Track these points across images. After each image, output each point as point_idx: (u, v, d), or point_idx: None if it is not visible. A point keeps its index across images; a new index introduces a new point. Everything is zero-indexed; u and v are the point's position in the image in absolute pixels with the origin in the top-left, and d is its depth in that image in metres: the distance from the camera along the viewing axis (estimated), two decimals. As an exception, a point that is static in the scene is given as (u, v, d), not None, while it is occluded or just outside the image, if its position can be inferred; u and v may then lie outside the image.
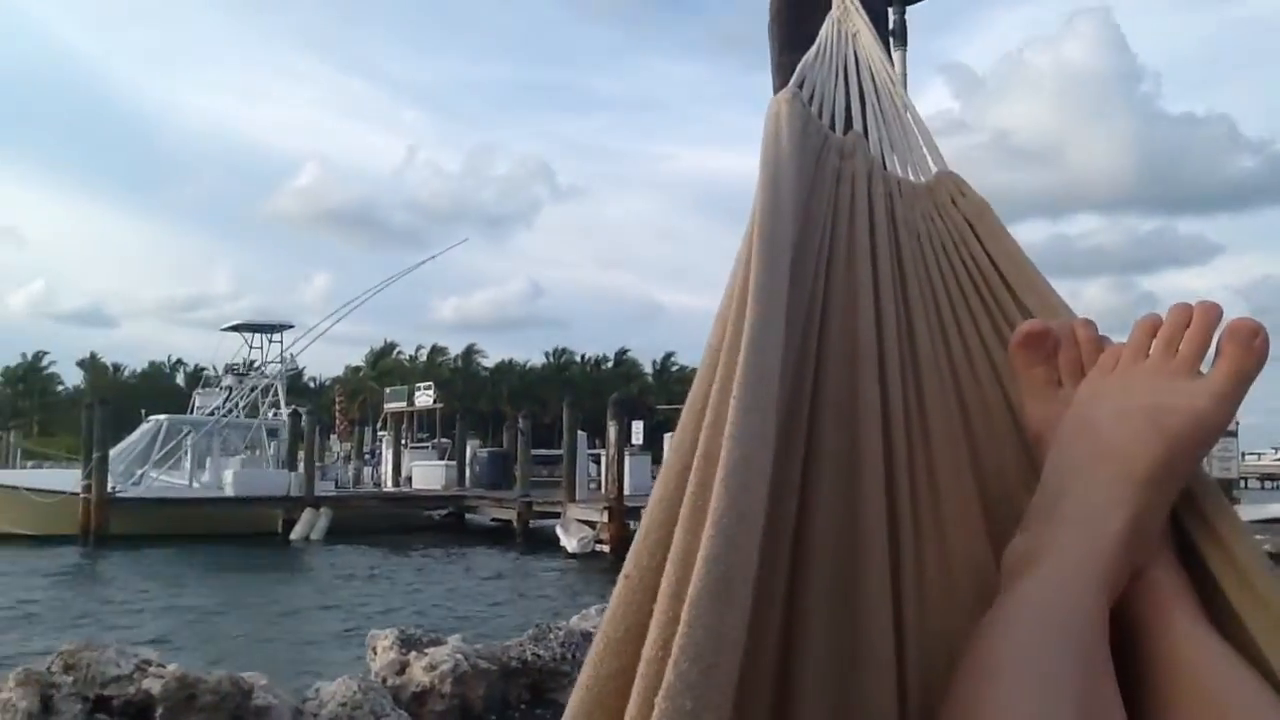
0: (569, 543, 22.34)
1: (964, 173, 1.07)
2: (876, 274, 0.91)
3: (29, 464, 35.28)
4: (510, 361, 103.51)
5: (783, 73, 1.27)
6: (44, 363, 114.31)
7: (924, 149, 1.09)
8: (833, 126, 1.02)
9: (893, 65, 1.13)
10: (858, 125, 1.04)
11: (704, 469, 0.57)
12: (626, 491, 22.30)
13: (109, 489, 24.80)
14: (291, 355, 32.69)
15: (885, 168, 1.03)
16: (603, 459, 24.99)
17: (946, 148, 1.10)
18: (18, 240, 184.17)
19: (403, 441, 37.68)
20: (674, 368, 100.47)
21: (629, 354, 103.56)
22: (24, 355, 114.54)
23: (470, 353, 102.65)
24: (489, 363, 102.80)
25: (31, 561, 21.00)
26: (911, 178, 1.05)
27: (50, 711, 2.97)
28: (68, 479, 25.94)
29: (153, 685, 3.13)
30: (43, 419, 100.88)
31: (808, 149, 0.92)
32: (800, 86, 1.00)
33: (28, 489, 25.66)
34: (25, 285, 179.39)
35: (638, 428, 29.49)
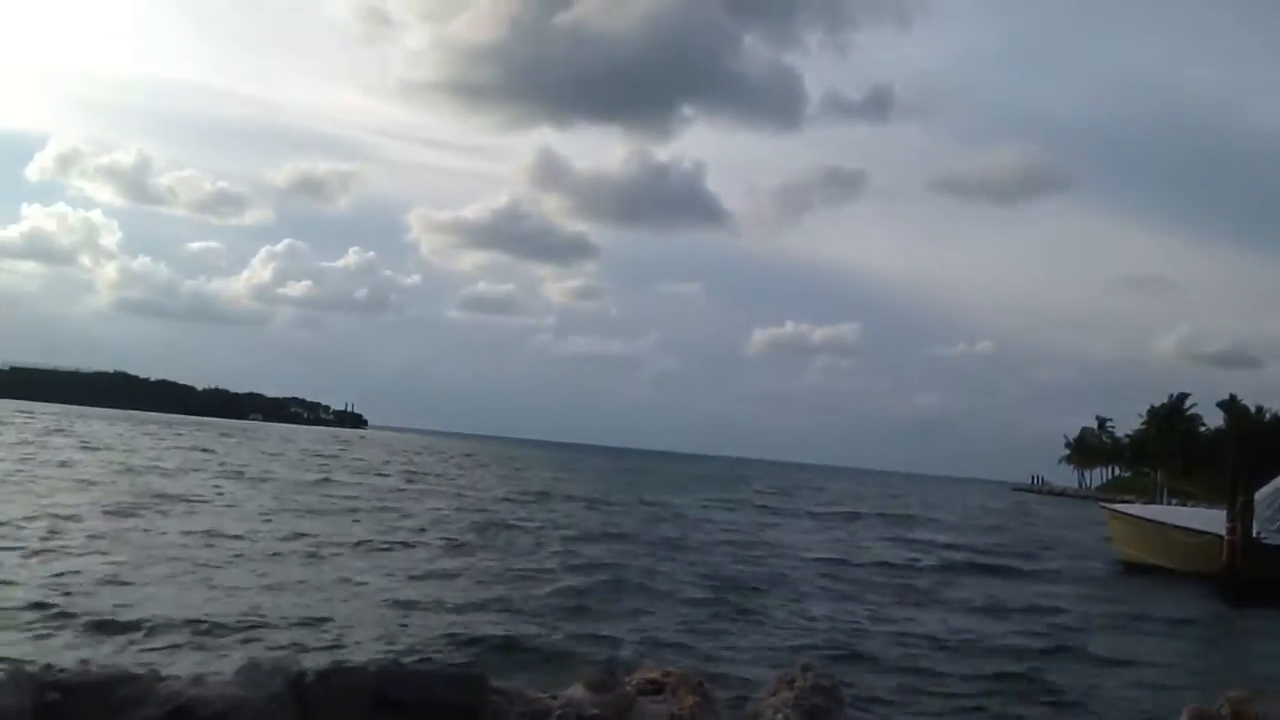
0: None
1: None
2: None
3: (1173, 501, 36.79)
4: None
5: None
6: (1186, 404, 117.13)
7: None
8: None
9: None
10: None
11: None
12: None
13: (1254, 533, 24.33)
14: None
15: None
16: None
17: None
18: (1167, 286, 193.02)
19: None
20: None
21: None
22: (1169, 396, 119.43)
23: None
24: None
25: (1173, 598, 21.70)
26: None
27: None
28: (1211, 519, 26.12)
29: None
30: (1185, 458, 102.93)
31: None
32: None
33: (1174, 526, 26.82)
34: (1173, 328, 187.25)
35: None
